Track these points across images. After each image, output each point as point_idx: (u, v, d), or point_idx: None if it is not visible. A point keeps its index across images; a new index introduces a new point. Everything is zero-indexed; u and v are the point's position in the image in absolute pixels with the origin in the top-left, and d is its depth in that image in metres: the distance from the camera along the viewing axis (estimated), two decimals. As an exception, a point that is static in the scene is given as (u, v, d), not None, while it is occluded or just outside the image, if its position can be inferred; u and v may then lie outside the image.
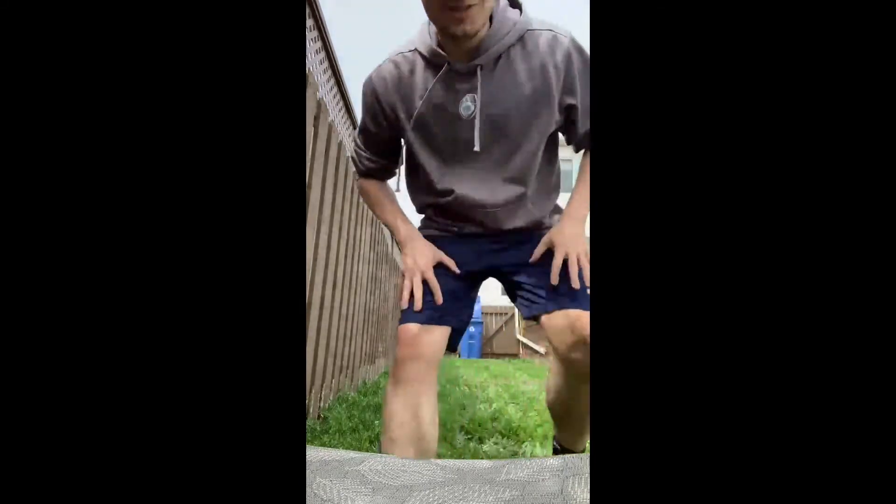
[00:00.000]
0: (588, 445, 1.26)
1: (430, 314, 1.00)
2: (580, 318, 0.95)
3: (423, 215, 1.15)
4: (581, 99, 0.99)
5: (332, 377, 2.59)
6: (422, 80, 0.99)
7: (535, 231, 1.08)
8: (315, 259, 2.09)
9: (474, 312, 1.47)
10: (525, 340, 10.39)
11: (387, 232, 4.09)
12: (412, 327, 0.99)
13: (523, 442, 1.82)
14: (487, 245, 1.08)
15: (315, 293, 2.11)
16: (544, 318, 1.01)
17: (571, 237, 1.00)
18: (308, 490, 0.58)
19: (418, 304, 0.99)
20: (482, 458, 1.48)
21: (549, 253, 1.02)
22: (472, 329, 10.91)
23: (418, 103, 0.99)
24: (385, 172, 1.16)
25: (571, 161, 7.38)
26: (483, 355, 11.12)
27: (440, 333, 1.01)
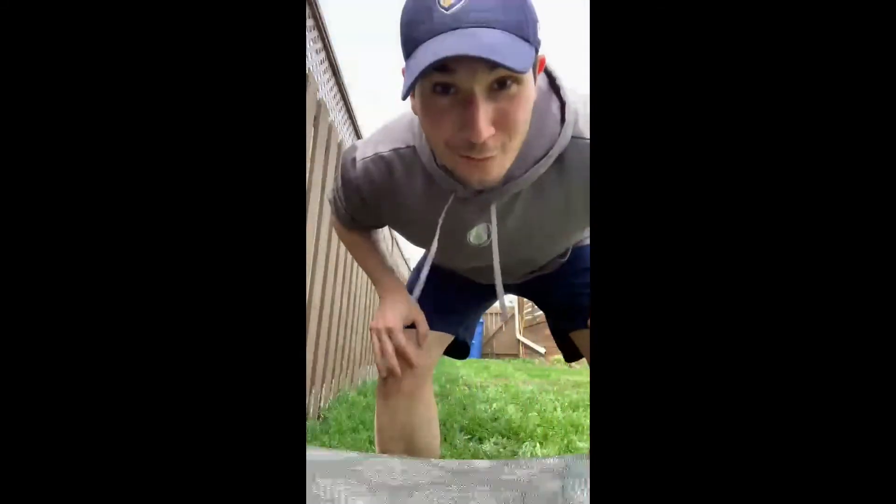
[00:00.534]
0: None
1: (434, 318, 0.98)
2: None
3: None
4: None
5: (332, 377, 2.59)
6: (421, 189, 0.78)
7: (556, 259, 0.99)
8: (315, 259, 2.09)
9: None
10: (525, 340, 10.39)
11: (387, 232, 4.09)
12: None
13: (523, 442, 1.82)
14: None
15: (315, 293, 2.11)
16: (572, 334, 1.00)
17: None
18: (308, 490, 0.58)
19: (396, 371, 0.88)
20: (482, 458, 1.48)
21: (572, 265, 0.98)
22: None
23: (415, 217, 0.81)
24: (372, 227, 0.99)
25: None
26: (483, 355, 11.11)
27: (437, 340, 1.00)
